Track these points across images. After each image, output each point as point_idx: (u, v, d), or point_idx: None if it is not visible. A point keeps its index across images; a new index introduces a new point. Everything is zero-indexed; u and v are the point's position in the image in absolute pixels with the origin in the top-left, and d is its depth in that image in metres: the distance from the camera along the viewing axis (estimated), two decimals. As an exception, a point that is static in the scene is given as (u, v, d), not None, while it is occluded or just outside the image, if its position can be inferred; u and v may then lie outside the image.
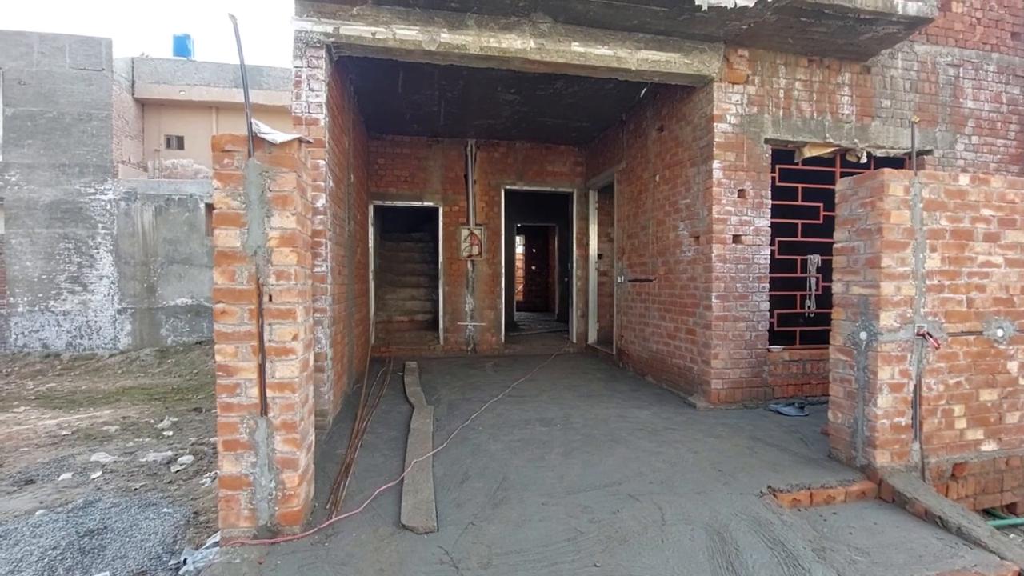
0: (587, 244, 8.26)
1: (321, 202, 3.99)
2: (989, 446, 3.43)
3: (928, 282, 3.21)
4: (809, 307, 5.21)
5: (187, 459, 4.45)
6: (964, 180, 3.31)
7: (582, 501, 2.90)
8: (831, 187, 5.29)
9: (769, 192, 4.93)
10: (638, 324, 6.35)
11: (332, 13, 4.02)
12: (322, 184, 4.00)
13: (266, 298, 2.50)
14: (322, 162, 4.01)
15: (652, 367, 5.96)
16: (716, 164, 4.77)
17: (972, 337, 3.34)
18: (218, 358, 2.50)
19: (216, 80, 17.10)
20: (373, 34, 4.09)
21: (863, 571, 2.35)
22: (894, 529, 2.76)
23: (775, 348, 4.99)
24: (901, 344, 3.17)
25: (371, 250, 7.65)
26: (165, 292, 10.29)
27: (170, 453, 4.60)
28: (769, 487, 3.06)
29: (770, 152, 4.95)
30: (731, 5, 4.01)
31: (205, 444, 4.86)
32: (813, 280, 5.23)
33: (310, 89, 4.04)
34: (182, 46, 16.81)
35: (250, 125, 2.46)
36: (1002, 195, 3.37)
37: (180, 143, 17.67)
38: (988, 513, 3.50)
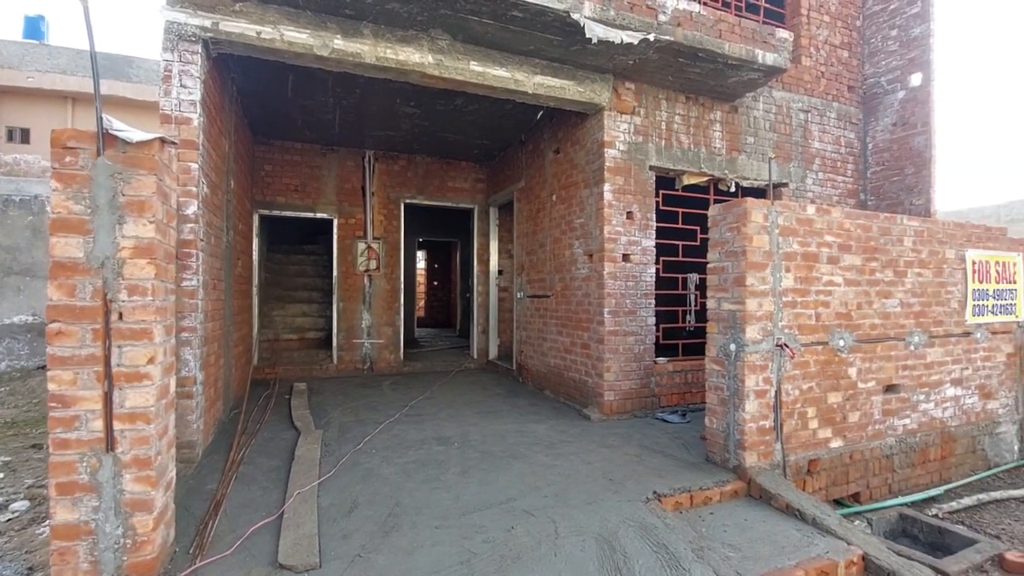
0: (488, 260, 8.33)
1: (192, 209, 3.61)
2: (836, 443, 3.91)
3: (784, 299, 3.62)
4: (689, 321, 5.66)
5: (21, 505, 3.73)
6: (811, 210, 3.80)
7: (477, 521, 2.85)
8: (706, 212, 5.86)
9: (654, 215, 5.32)
10: (537, 339, 6.48)
11: (211, 7, 3.69)
12: (194, 190, 3.62)
13: (115, 316, 2.17)
14: (194, 165, 3.63)
15: (550, 381, 6.10)
16: (607, 187, 5.05)
17: (820, 347, 3.81)
18: (51, 386, 2.13)
19: (74, 68, 15.08)
20: (258, 33, 3.82)
21: (736, 566, 2.54)
22: (762, 524, 3.03)
23: (661, 360, 5.34)
24: (763, 354, 3.53)
25: (255, 263, 7.07)
26: (0, 308, 8.69)
27: (0, 499, 3.83)
28: (654, 492, 3.22)
29: (654, 178, 5.35)
30: (618, 40, 4.30)
31: (45, 487, 4.10)
32: (692, 297, 5.70)
33: (182, 86, 3.66)
34: (34, 28, 14.68)
35: (100, 119, 2.15)
36: (841, 224, 3.91)
37: (25, 136, 15.25)
38: (837, 503, 3.97)
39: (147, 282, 2.21)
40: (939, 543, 3.60)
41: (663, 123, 5.39)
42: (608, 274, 5.03)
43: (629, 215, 5.17)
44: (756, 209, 3.50)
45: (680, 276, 5.72)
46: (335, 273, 7.51)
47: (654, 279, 5.30)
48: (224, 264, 4.80)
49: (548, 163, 6.24)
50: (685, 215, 5.60)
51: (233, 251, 5.31)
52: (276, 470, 3.61)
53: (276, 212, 7.26)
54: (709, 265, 3.83)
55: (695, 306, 5.71)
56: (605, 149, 5.06)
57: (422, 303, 15.49)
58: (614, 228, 5.08)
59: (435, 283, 15.65)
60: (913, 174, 6.14)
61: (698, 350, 5.75)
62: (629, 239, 5.16)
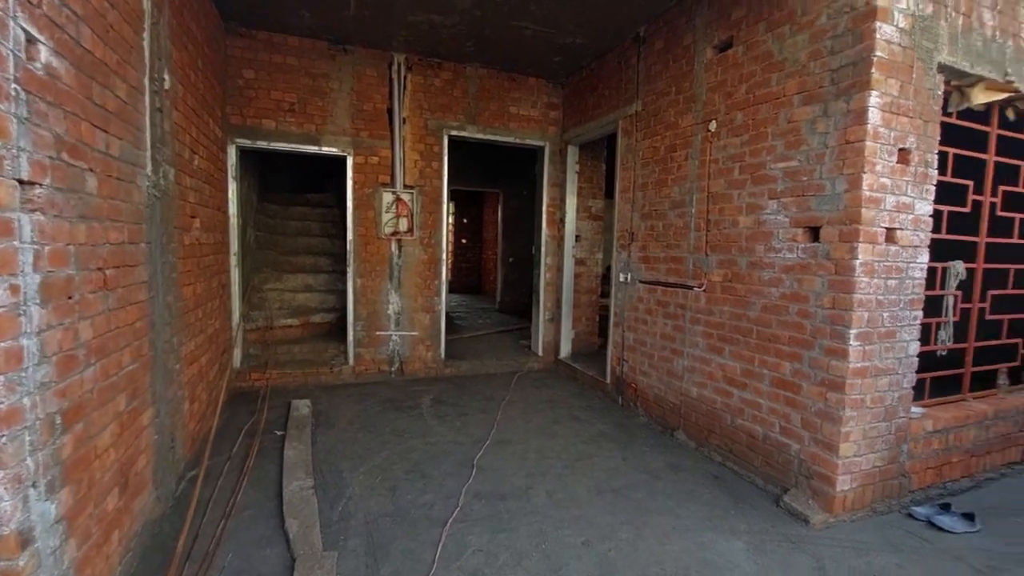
0: (561, 221, 5.96)
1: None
2: None
3: None
4: (944, 340, 3.38)
5: None
6: None
7: None
8: (982, 156, 3.45)
9: (936, 156, 2.93)
10: (661, 349, 4.23)
11: None
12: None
13: None
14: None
15: (691, 421, 3.89)
16: (874, 98, 2.65)
17: None
18: None
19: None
20: None
21: None
22: None
23: (916, 412, 3.11)
24: None
25: (233, 218, 4.77)
26: None
27: None
28: None
29: (942, 87, 2.92)
30: None
31: None
32: (950, 300, 3.38)
33: None
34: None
35: None
36: None
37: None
38: None
39: None
40: None
41: (965, -17, 2.90)
42: (862, 265, 2.71)
43: (903, 155, 2.79)
44: None
45: (939, 266, 3.37)
46: (350, 235, 5.20)
47: (925, 273, 2.98)
48: (152, 230, 2.52)
49: (703, 67, 3.77)
50: (955, 160, 3.19)
51: (181, 204, 3.01)
52: None
53: (262, 143, 4.88)
54: None
55: (954, 315, 3.41)
56: (876, 24, 2.61)
57: (449, 264, 13.20)
58: (878, 179, 2.71)
59: (463, 241, 13.29)
60: None
61: (953, 387, 3.53)
62: (898, 200, 2.80)
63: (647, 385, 4.40)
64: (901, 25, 2.68)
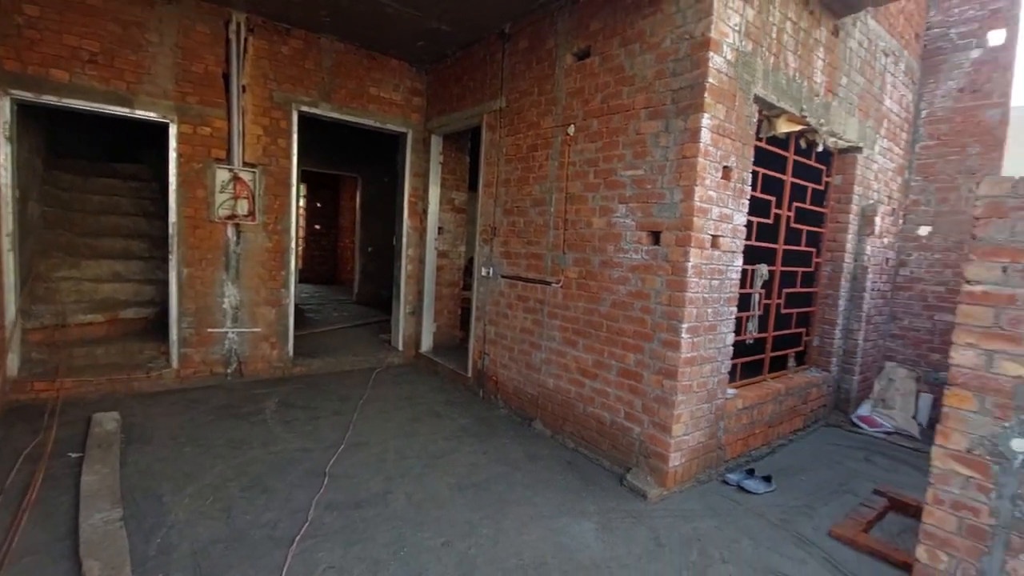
0: (424, 212, 5.81)
1: None
2: None
3: None
4: (751, 331, 3.99)
5: None
6: None
7: None
8: (783, 176, 4.12)
9: (750, 175, 3.41)
10: (521, 343, 4.36)
11: None
12: None
13: None
14: None
15: (548, 411, 4.07)
16: (706, 119, 2.98)
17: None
18: None
19: None
20: None
21: None
22: None
23: (730, 393, 3.62)
24: (1112, 474, 1.90)
25: (6, 189, 3.78)
26: None
27: None
28: None
29: (756, 116, 3.40)
30: None
31: None
32: (757, 297, 4.01)
33: None
34: None
35: None
36: None
37: None
38: None
39: None
40: None
41: (774, 30, 3.40)
42: (693, 268, 3.06)
43: (726, 172, 3.19)
44: None
45: (749, 268, 3.95)
46: (174, 217, 4.46)
47: (739, 276, 3.47)
48: None
49: (563, 73, 3.92)
50: (763, 178, 3.78)
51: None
52: None
53: (50, 98, 3.93)
54: (973, 288, 2.06)
55: (759, 310, 4.04)
56: (709, 54, 2.94)
57: (300, 252, 12.13)
58: (707, 192, 3.07)
59: (317, 227, 12.33)
60: (978, 154, 5.01)
61: (755, 369, 4.18)
62: (721, 211, 3.21)
63: (507, 378, 4.50)
64: (728, 58, 3.06)
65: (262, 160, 4.83)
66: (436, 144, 5.70)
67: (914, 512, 3.01)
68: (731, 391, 3.66)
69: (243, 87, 4.66)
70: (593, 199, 3.65)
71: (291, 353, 5.17)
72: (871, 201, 4.70)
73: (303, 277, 11.62)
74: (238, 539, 2.47)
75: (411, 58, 5.49)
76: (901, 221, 5.31)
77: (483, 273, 4.81)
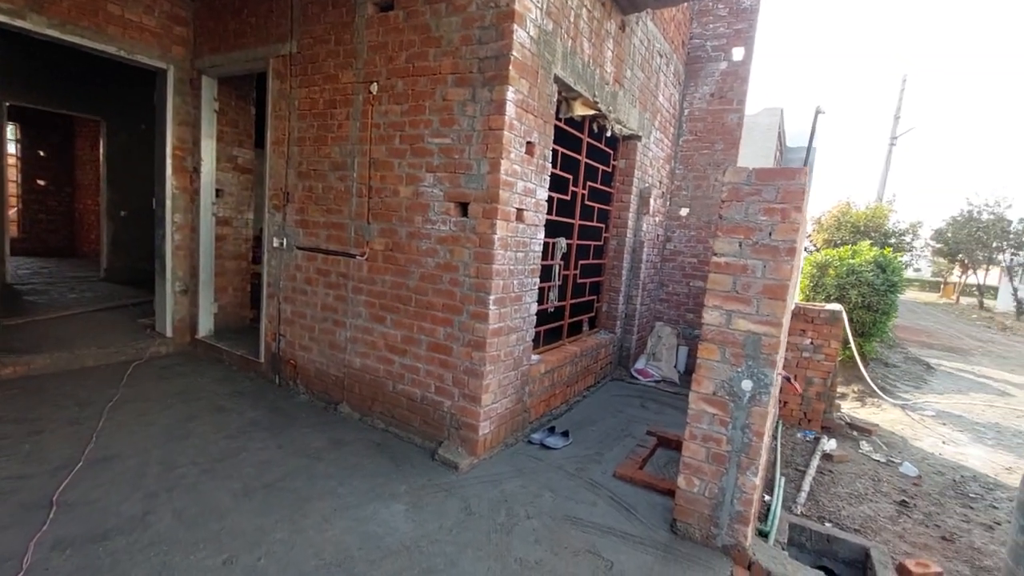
0: (196, 170, 4.84)
1: None
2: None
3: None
4: (551, 300, 4.27)
5: None
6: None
7: None
8: (580, 157, 4.43)
9: (551, 152, 3.56)
10: (322, 321, 3.96)
11: None
12: None
13: None
14: None
15: (355, 392, 3.80)
16: (511, 93, 2.99)
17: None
18: None
19: None
20: None
21: None
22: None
23: (534, 359, 3.84)
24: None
25: None
26: None
27: None
28: None
29: (556, 96, 3.54)
30: None
31: None
32: (557, 268, 4.30)
33: None
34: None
35: None
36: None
37: None
38: None
39: None
40: (827, 550, 3.47)
41: (572, 14, 3.56)
42: (500, 240, 3.10)
43: (529, 148, 3.27)
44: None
45: (550, 241, 4.17)
46: None
47: (541, 248, 3.64)
48: None
49: (364, 23, 3.55)
50: (562, 157, 4.02)
51: None
52: None
53: None
54: (717, 259, 2.48)
55: (559, 280, 4.33)
56: (513, 26, 2.93)
57: (13, 214, 9.17)
58: (512, 165, 3.11)
59: (40, 183, 9.48)
60: (723, 151, 6.14)
61: (555, 335, 4.50)
62: (526, 186, 3.29)
63: (308, 360, 4.08)
64: (531, 33, 3.10)
65: (-74, 81, 3.41)
66: (209, 87, 4.76)
67: (676, 446, 3.60)
68: (535, 357, 3.89)
69: None
70: (399, 166, 3.44)
71: (-3, 349, 3.88)
72: (647, 184, 5.41)
73: (20, 248, 8.90)
74: None
75: (170, -24, 4.42)
76: (668, 203, 6.25)
77: (275, 244, 4.23)
